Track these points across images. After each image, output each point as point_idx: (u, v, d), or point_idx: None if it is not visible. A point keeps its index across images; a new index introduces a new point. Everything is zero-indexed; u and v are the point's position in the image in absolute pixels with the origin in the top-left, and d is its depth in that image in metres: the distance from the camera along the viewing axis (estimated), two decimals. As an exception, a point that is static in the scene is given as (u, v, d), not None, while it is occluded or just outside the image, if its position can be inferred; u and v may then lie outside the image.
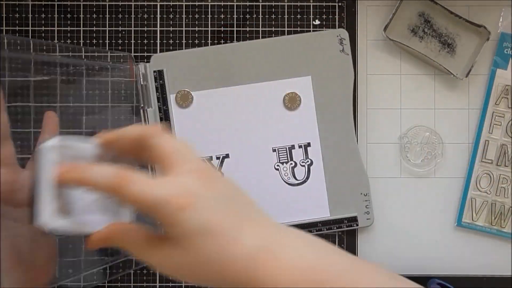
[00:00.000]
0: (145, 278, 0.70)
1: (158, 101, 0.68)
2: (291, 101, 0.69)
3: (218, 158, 0.69)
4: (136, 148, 0.48)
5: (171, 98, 0.69)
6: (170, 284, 0.70)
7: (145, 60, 0.70)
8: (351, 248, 0.71)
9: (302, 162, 0.70)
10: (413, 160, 0.70)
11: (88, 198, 0.48)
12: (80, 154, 0.48)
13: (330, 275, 0.45)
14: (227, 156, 0.69)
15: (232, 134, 0.69)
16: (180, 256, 0.45)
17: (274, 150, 0.69)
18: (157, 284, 0.70)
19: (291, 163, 0.70)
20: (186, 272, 0.46)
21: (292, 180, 0.70)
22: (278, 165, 0.69)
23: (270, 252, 0.45)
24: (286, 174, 0.69)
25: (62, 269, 0.68)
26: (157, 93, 0.68)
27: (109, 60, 0.70)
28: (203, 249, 0.44)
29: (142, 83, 0.68)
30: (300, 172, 0.70)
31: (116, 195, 0.45)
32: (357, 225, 0.70)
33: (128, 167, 0.45)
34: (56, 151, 0.46)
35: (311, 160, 0.70)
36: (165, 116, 0.68)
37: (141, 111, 0.68)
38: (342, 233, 0.71)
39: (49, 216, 0.44)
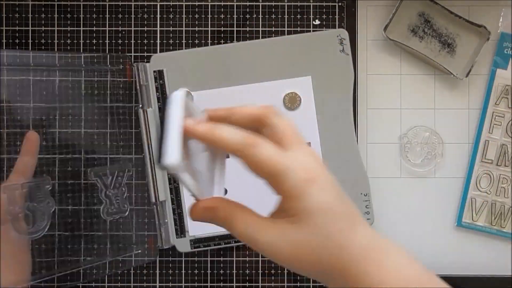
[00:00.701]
0: (145, 278, 0.70)
1: (158, 101, 0.69)
2: (291, 101, 0.69)
3: (218, 157, 0.69)
4: (251, 125, 0.48)
5: (171, 98, 0.69)
6: (170, 284, 0.70)
7: (145, 60, 0.70)
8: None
9: (303, 162, 0.69)
10: (413, 160, 0.70)
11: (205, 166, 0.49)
12: (194, 115, 0.47)
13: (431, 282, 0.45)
14: (227, 156, 0.69)
15: (232, 134, 0.69)
16: (296, 233, 0.45)
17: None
18: (157, 284, 0.70)
19: (292, 163, 0.69)
20: (298, 251, 0.45)
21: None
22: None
23: (381, 253, 0.45)
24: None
25: (35, 269, 0.69)
26: (157, 93, 0.69)
27: (108, 64, 0.70)
28: (324, 228, 0.44)
29: (141, 83, 0.68)
30: (300, 172, 0.70)
31: (244, 157, 0.46)
32: (358, 223, 0.70)
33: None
34: (184, 101, 0.45)
35: (311, 159, 0.70)
36: (165, 116, 0.69)
37: (141, 111, 0.68)
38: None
39: (177, 157, 0.43)
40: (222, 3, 0.71)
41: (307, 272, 0.46)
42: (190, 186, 0.45)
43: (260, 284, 0.71)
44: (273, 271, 0.71)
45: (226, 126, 0.46)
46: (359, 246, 0.45)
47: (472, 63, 0.68)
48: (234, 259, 0.70)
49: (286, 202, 0.46)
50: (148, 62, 0.69)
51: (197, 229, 0.69)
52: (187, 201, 0.69)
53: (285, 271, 0.71)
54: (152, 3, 0.71)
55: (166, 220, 0.69)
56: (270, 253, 0.45)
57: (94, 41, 0.71)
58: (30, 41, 0.70)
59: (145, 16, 0.71)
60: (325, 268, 0.45)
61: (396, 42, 0.69)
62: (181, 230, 0.69)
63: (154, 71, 0.68)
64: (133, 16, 0.71)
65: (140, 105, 0.69)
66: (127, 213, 0.69)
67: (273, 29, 0.71)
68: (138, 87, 0.69)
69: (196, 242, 0.69)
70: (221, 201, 0.48)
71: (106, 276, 0.71)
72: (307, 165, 0.45)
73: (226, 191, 0.68)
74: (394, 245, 0.46)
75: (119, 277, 0.70)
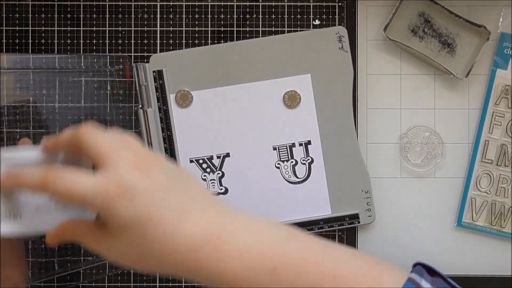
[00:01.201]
0: (145, 278, 0.70)
1: (158, 101, 0.68)
2: (291, 99, 0.69)
3: (218, 157, 0.69)
4: (75, 149, 0.48)
5: (171, 98, 0.69)
6: (170, 284, 0.70)
7: (145, 60, 0.70)
8: (351, 247, 0.71)
9: (303, 160, 0.70)
10: (413, 160, 0.70)
11: (41, 200, 0.50)
12: (26, 162, 0.50)
13: (283, 262, 0.45)
14: (227, 155, 0.69)
15: (233, 133, 0.69)
16: (120, 247, 0.46)
17: (274, 149, 0.69)
18: (157, 284, 0.70)
19: (292, 161, 0.70)
20: (130, 261, 0.47)
21: (293, 178, 0.70)
22: (279, 164, 0.69)
23: (219, 237, 0.45)
24: (287, 172, 0.69)
25: (35, 269, 0.69)
26: (157, 93, 0.68)
27: (108, 64, 0.70)
28: (142, 240, 0.44)
29: (141, 83, 0.68)
30: (301, 170, 0.70)
31: (46, 192, 0.46)
32: (359, 222, 0.70)
33: (67, 167, 0.48)
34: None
35: (311, 158, 0.70)
36: (165, 116, 0.68)
37: (141, 111, 0.68)
38: (342, 233, 0.71)
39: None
40: (222, 3, 0.71)
41: (160, 273, 0.49)
42: (29, 233, 0.50)
43: (260, 284, 0.71)
44: (273, 271, 0.71)
45: (28, 168, 0.47)
46: (188, 244, 0.45)
47: (472, 63, 0.68)
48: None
49: (105, 221, 0.46)
50: (148, 62, 0.69)
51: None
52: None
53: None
54: (152, 3, 0.71)
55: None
56: (114, 262, 0.48)
57: (94, 41, 0.71)
58: (30, 41, 0.70)
59: (145, 16, 0.71)
60: (167, 271, 0.47)
61: (396, 42, 0.69)
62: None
63: (154, 71, 0.68)
64: (133, 16, 0.71)
65: (140, 106, 0.68)
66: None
67: (273, 29, 0.71)
68: (138, 88, 0.69)
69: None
70: (65, 224, 0.49)
71: (106, 276, 0.70)
72: (115, 180, 0.44)
73: (227, 190, 0.69)
74: (243, 219, 0.47)
75: (119, 277, 0.70)
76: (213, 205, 0.48)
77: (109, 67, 0.70)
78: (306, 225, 0.69)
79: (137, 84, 0.69)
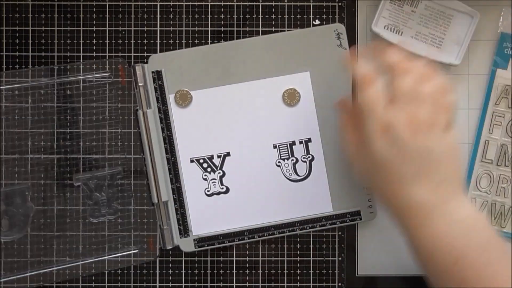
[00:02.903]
0: (145, 278, 0.70)
1: (158, 102, 0.68)
2: (291, 97, 0.69)
3: (219, 156, 0.69)
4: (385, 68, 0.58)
5: (170, 98, 0.69)
6: (170, 284, 0.70)
7: (145, 61, 0.70)
8: (351, 247, 0.71)
9: (303, 158, 0.70)
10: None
11: None
12: None
13: (471, 257, 0.53)
14: (228, 154, 0.69)
15: (233, 132, 0.69)
16: (365, 158, 0.58)
17: (275, 147, 0.69)
18: (157, 284, 0.70)
19: (293, 159, 0.70)
20: (362, 168, 0.59)
21: (294, 176, 0.70)
22: (279, 162, 0.70)
23: (429, 214, 0.54)
24: (287, 171, 0.69)
25: (6, 269, 0.69)
26: (156, 94, 0.68)
27: (106, 65, 0.70)
28: (380, 175, 0.57)
29: (140, 84, 0.68)
30: (302, 168, 0.70)
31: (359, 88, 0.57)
32: (360, 219, 0.70)
33: None
34: None
35: (312, 155, 0.70)
36: (164, 116, 0.68)
37: (141, 112, 0.68)
38: (342, 232, 0.71)
39: None
40: (222, 3, 0.71)
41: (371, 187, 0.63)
42: None
43: (260, 284, 0.71)
44: (273, 271, 0.71)
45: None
46: (404, 203, 0.55)
47: (462, 45, 0.69)
48: (234, 259, 0.70)
49: (364, 135, 0.57)
50: (146, 63, 0.69)
51: (200, 228, 0.69)
52: (190, 200, 0.69)
53: (285, 272, 0.71)
54: (152, 3, 0.71)
55: (169, 220, 0.69)
56: (352, 164, 0.62)
57: (94, 41, 0.71)
58: (30, 41, 0.70)
59: (145, 16, 0.71)
60: (380, 197, 0.60)
61: (383, 37, 0.69)
62: (184, 230, 0.69)
63: (153, 72, 0.68)
64: (133, 16, 0.71)
65: (140, 106, 0.68)
66: (117, 214, 0.70)
67: (273, 29, 0.71)
68: (137, 88, 0.69)
69: (200, 241, 0.69)
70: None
71: (106, 276, 0.70)
72: (389, 121, 0.54)
73: (228, 189, 0.69)
74: (454, 215, 0.55)
75: (119, 277, 0.70)
76: (450, 184, 0.56)
77: (108, 67, 0.70)
78: (308, 223, 0.69)
79: (136, 85, 0.68)
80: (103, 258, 0.70)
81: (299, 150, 0.70)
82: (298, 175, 0.70)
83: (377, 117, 0.55)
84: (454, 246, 0.54)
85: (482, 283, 0.52)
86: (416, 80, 0.55)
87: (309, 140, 0.70)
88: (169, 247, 0.69)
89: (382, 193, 0.58)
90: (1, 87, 0.68)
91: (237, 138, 0.69)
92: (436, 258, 0.54)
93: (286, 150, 0.70)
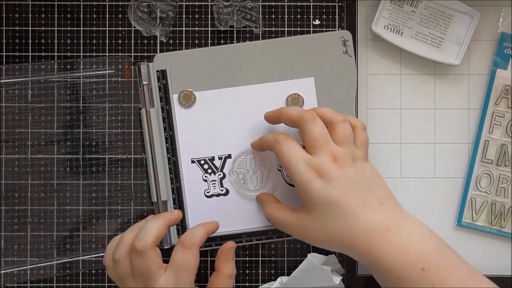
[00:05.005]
0: (145, 278, 0.70)
1: (161, 101, 0.68)
2: (294, 102, 0.69)
3: (220, 158, 0.69)
4: (294, 126, 0.62)
5: (174, 98, 0.69)
6: (171, 285, 0.70)
7: (145, 60, 0.70)
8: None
9: (305, 162, 0.70)
10: (253, 187, 0.70)
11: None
12: None
13: (433, 264, 0.56)
14: (229, 156, 0.69)
15: (235, 135, 0.69)
16: (309, 221, 0.58)
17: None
18: (158, 285, 0.70)
19: (294, 164, 0.70)
20: (315, 236, 0.58)
21: (294, 181, 0.70)
22: (280, 166, 0.69)
23: (388, 229, 0.57)
24: (288, 175, 0.69)
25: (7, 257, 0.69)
26: (160, 93, 0.68)
27: (107, 65, 0.70)
28: (325, 216, 0.57)
29: (144, 83, 0.68)
30: (303, 173, 0.70)
31: (274, 148, 0.62)
32: (358, 225, 0.70)
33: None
34: None
35: (313, 160, 0.70)
36: (167, 116, 0.68)
37: (144, 111, 0.68)
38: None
39: None
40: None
41: (333, 249, 0.59)
42: None
43: (260, 284, 0.71)
44: (273, 271, 0.71)
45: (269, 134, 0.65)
46: (362, 231, 0.57)
47: (462, 45, 0.69)
48: (234, 259, 0.70)
49: (299, 193, 0.59)
50: (150, 62, 0.69)
51: (198, 229, 0.69)
52: (189, 201, 0.69)
53: (285, 271, 0.71)
54: (152, 3, 0.71)
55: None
56: (298, 237, 0.60)
57: (94, 41, 0.71)
58: (30, 41, 0.70)
59: (145, 16, 0.71)
60: (341, 246, 0.58)
61: (383, 38, 0.69)
62: (182, 230, 0.69)
63: (157, 71, 0.68)
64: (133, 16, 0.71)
65: (143, 105, 0.68)
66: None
67: (273, 29, 0.71)
68: (141, 87, 0.69)
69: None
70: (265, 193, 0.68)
71: (106, 275, 0.71)
72: (317, 165, 0.58)
73: (228, 191, 0.69)
74: (411, 221, 0.58)
75: (119, 278, 0.71)
76: (389, 203, 0.59)
77: (108, 67, 0.70)
78: (308, 226, 0.69)
79: (141, 84, 0.68)
80: (102, 254, 0.70)
81: (300, 155, 0.70)
82: (297, 181, 0.70)
83: (304, 165, 0.58)
84: (418, 253, 0.56)
85: (449, 282, 0.55)
86: (323, 125, 0.60)
87: None
88: (166, 247, 0.69)
89: (341, 239, 0.58)
90: (2, 81, 0.68)
91: (239, 141, 0.69)
92: (406, 271, 0.56)
93: (288, 154, 0.70)
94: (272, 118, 0.65)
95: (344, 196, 0.57)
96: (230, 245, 0.67)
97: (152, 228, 0.60)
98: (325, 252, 0.69)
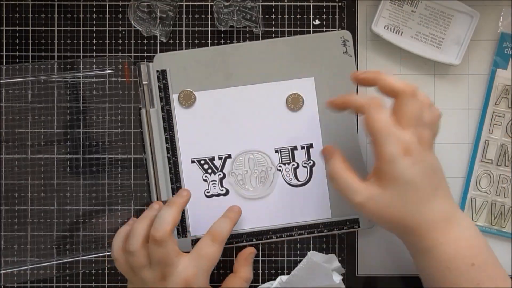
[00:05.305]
0: (145, 278, 0.70)
1: (161, 101, 0.68)
2: (294, 102, 0.69)
3: (220, 158, 0.69)
4: (390, 95, 0.59)
5: (174, 98, 0.69)
6: (171, 285, 0.70)
7: (145, 60, 0.70)
8: (351, 247, 0.71)
9: (304, 163, 0.70)
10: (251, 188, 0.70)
11: None
12: None
13: (481, 261, 0.57)
14: (229, 156, 0.69)
15: (235, 135, 0.69)
16: (382, 196, 0.58)
17: (276, 151, 0.69)
18: (158, 285, 0.70)
19: (293, 164, 0.70)
20: (381, 211, 0.58)
21: (294, 181, 0.70)
22: (280, 166, 0.69)
23: (449, 220, 0.58)
24: (288, 175, 0.69)
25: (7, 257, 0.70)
26: (160, 93, 0.68)
27: (107, 65, 0.70)
28: (404, 196, 0.57)
29: (144, 83, 0.68)
30: (302, 173, 0.70)
31: (364, 113, 0.59)
32: (359, 226, 0.70)
33: None
34: None
35: (313, 161, 0.70)
36: (167, 116, 0.68)
37: (144, 111, 0.68)
38: (342, 232, 0.71)
39: None
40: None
41: (387, 227, 0.60)
42: None
43: (260, 284, 0.71)
44: (273, 271, 0.71)
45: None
46: (430, 217, 0.58)
47: (462, 45, 0.69)
48: (234, 259, 0.70)
49: (380, 164, 0.58)
50: (150, 62, 0.69)
51: (198, 229, 0.69)
52: (189, 201, 0.69)
53: (285, 271, 0.71)
54: (152, 3, 0.71)
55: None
56: (360, 210, 0.59)
57: (94, 41, 0.71)
58: (30, 41, 0.70)
59: (145, 16, 0.71)
60: (400, 227, 0.59)
61: (383, 38, 0.69)
62: (182, 230, 0.69)
63: (157, 71, 0.68)
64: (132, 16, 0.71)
65: (143, 105, 0.68)
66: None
67: (273, 29, 0.71)
68: (141, 87, 0.69)
69: (197, 242, 0.69)
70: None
71: (106, 275, 0.71)
72: (408, 142, 0.57)
73: (228, 191, 0.69)
74: (466, 217, 0.60)
75: (119, 277, 0.70)
76: (449, 194, 0.60)
77: (108, 67, 0.70)
78: (306, 228, 0.69)
79: (141, 84, 0.68)
80: (103, 254, 0.70)
81: (300, 155, 0.70)
82: (299, 180, 0.70)
83: (396, 139, 0.57)
84: (470, 248, 0.58)
85: (495, 282, 0.57)
86: (420, 106, 0.59)
87: (311, 145, 0.70)
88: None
89: (408, 220, 0.58)
90: (2, 81, 0.68)
91: (239, 141, 0.69)
92: (456, 262, 0.57)
93: (288, 154, 0.70)
94: (365, 80, 0.62)
95: (425, 180, 0.57)
96: (251, 250, 0.69)
97: (168, 216, 0.61)
98: (325, 251, 0.69)
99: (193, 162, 0.69)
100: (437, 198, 0.58)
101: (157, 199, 0.69)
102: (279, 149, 0.69)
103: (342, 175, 0.61)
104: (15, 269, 0.69)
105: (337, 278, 0.66)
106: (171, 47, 0.71)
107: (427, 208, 0.58)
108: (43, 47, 0.70)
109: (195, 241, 0.69)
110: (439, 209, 0.58)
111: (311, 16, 0.71)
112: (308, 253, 0.67)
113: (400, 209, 0.57)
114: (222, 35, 0.71)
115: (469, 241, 0.58)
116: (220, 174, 0.69)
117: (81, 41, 0.71)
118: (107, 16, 0.71)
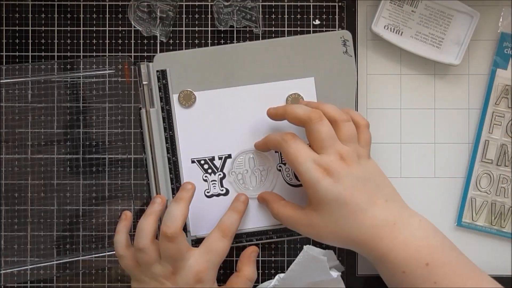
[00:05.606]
0: (145, 278, 0.70)
1: (161, 101, 0.68)
2: (294, 102, 0.69)
3: (220, 158, 0.69)
4: (300, 125, 0.62)
5: (174, 98, 0.69)
6: (171, 285, 0.70)
7: (145, 60, 0.70)
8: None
9: (305, 163, 0.70)
10: (254, 186, 0.70)
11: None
12: None
13: (436, 259, 0.58)
14: (229, 156, 0.69)
15: (235, 135, 0.69)
16: (317, 219, 0.60)
17: (276, 151, 0.69)
18: (158, 285, 0.70)
19: (294, 164, 0.70)
20: (323, 233, 0.60)
21: (294, 181, 0.70)
22: (280, 166, 0.69)
23: (394, 225, 0.59)
24: (288, 175, 0.69)
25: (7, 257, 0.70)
26: (160, 93, 0.68)
27: (107, 65, 0.70)
28: (333, 214, 0.59)
29: (144, 83, 0.68)
30: (302, 173, 0.70)
31: (281, 148, 0.62)
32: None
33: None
34: None
35: (313, 161, 0.70)
36: (167, 116, 0.68)
37: (144, 111, 0.68)
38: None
39: None
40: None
41: (339, 245, 0.62)
42: None
43: (259, 284, 0.71)
44: (273, 271, 0.71)
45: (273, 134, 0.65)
46: (370, 226, 0.58)
47: (462, 45, 0.69)
48: (234, 259, 0.70)
49: (307, 190, 0.60)
50: (150, 62, 0.69)
51: (198, 229, 0.69)
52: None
53: (285, 271, 0.71)
54: (152, 3, 0.71)
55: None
56: (309, 237, 0.63)
57: (94, 41, 0.71)
58: (30, 41, 0.70)
59: (145, 16, 0.71)
60: (347, 242, 0.60)
61: (383, 38, 0.69)
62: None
63: (157, 71, 0.68)
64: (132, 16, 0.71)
65: (143, 105, 0.68)
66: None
67: (273, 29, 0.71)
68: (141, 87, 0.68)
69: (197, 242, 0.69)
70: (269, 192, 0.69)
71: (106, 275, 0.71)
72: (327, 163, 0.59)
73: (228, 191, 0.69)
74: (415, 217, 0.61)
75: (119, 277, 0.70)
76: (394, 199, 0.61)
77: (108, 67, 0.70)
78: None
79: (141, 84, 0.68)
80: (103, 254, 0.70)
81: (300, 156, 0.70)
82: (298, 180, 0.69)
83: (312, 164, 0.59)
84: (423, 248, 0.58)
85: (452, 278, 0.57)
86: (329, 127, 0.61)
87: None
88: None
89: (350, 235, 0.60)
90: (2, 81, 0.68)
91: (239, 141, 0.69)
92: (410, 264, 0.58)
93: (288, 155, 0.70)
94: (276, 115, 0.65)
95: (353, 194, 0.58)
96: (252, 248, 0.69)
97: (177, 212, 0.62)
98: (324, 246, 0.69)
99: (193, 162, 0.69)
100: (374, 206, 0.59)
101: (157, 199, 0.69)
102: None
103: (283, 213, 0.64)
104: (15, 269, 0.69)
105: (335, 273, 0.66)
106: (171, 47, 0.71)
107: (366, 218, 0.59)
108: (43, 47, 0.70)
109: (195, 241, 0.69)
110: (379, 215, 0.59)
111: (311, 16, 0.71)
112: (304, 247, 0.67)
113: (336, 226, 0.59)
114: (222, 35, 0.71)
115: (422, 241, 0.59)
116: (220, 174, 0.69)
117: (81, 41, 0.71)
118: (107, 16, 0.71)
